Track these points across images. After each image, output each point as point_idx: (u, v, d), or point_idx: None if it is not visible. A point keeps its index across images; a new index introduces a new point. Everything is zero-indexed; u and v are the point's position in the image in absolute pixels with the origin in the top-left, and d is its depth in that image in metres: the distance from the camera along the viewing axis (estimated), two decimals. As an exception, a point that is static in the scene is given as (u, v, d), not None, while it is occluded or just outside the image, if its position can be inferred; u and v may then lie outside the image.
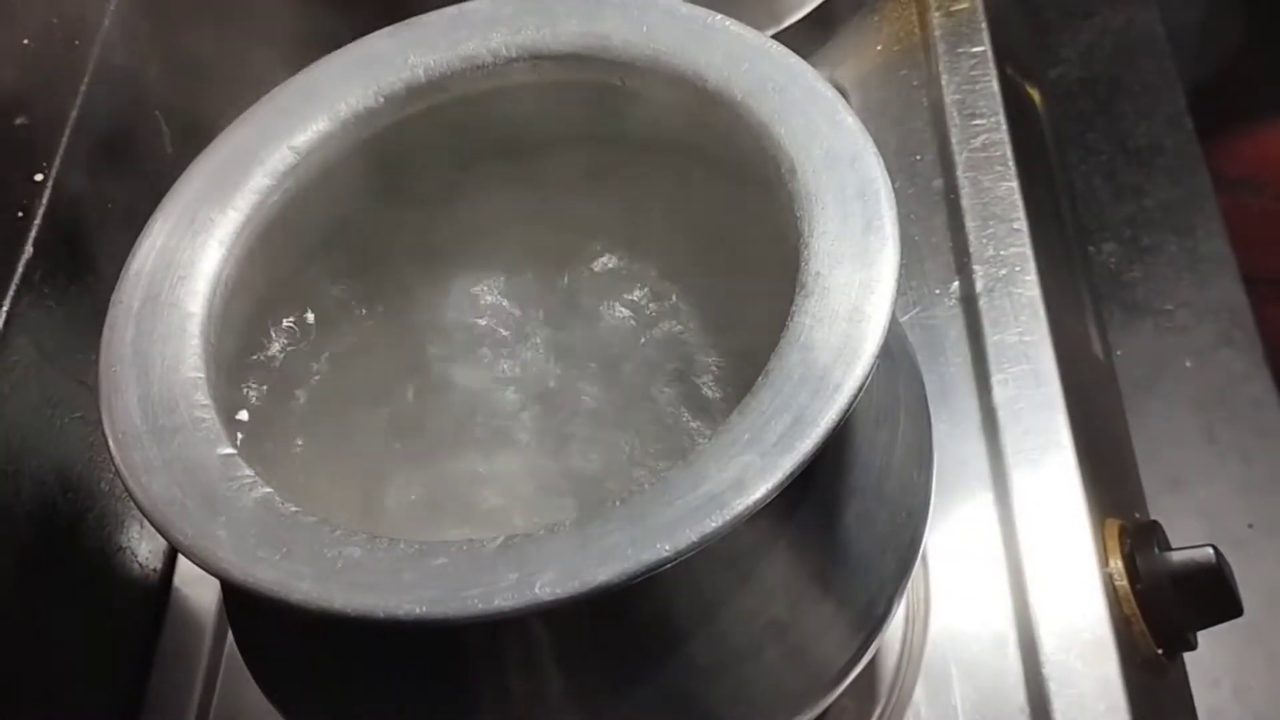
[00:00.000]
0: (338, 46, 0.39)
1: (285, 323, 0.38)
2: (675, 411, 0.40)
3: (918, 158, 0.57)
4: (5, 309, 0.43)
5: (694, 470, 0.28)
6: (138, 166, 0.50)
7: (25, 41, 0.48)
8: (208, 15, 0.52)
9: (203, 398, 0.32)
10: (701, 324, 0.40)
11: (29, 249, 0.44)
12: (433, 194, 0.40)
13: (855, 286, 0.30)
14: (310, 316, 0.39)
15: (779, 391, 0.29)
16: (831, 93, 0.34)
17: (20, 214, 0.45)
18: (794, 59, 0.35)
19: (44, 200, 0.45)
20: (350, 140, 0.38)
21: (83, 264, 0.46)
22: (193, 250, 0.35)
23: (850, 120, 0.34)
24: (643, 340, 0.40)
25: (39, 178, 0.46)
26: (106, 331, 0.33)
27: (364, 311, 0.40)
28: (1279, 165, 0.95)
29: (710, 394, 0.39)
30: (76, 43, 0.49)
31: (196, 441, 0.31)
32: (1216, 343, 0.67)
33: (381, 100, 0.38)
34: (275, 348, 0.38)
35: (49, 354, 0.44)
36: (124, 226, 0.48)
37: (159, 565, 0.49)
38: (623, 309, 0.40)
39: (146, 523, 0.30)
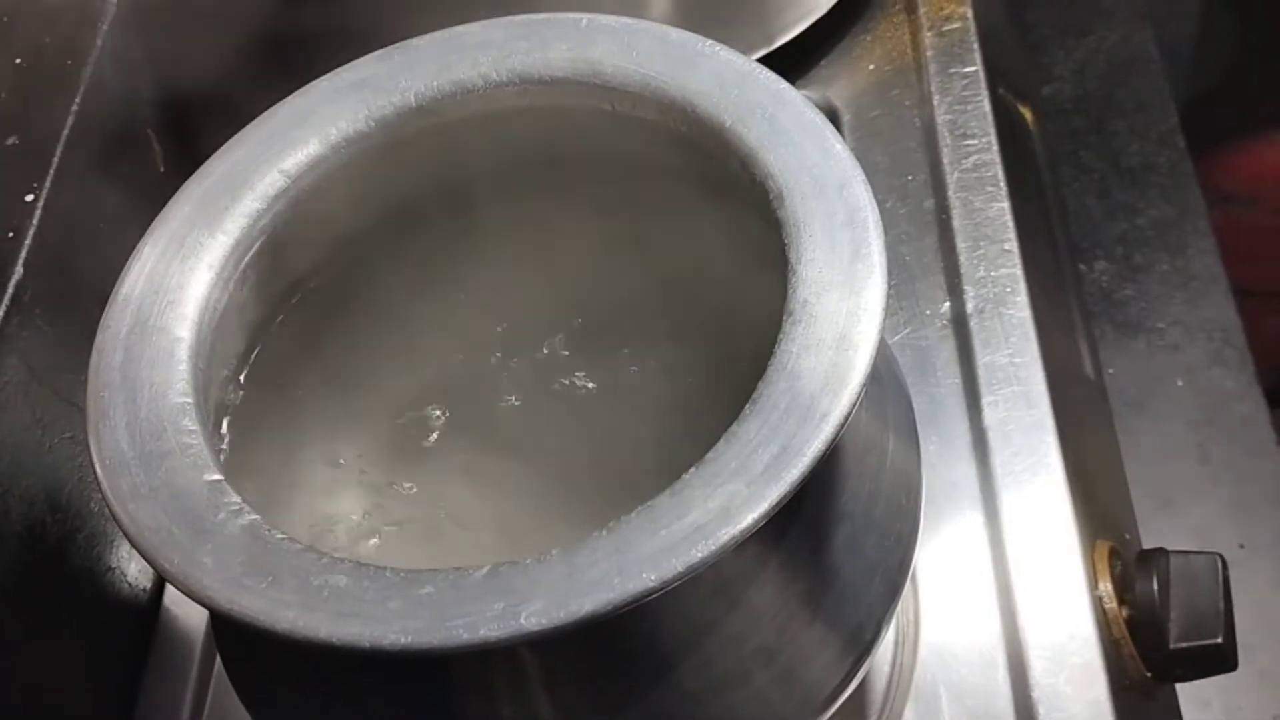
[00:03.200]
0: (328, 69, 0.39)
1: (273, 346, 0.38)
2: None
3: (909, 178, 0.57)
4: None
5: (680, 499, 0.28)
6: (129, 186, 0.50)
7: (17, 61, 0.48)
8: (200, 35, 0.52)
9: (190, 423, 0.32)
10: (688, 348, 0.40)
11: (19, 269, 0.44)
12: (423, 217, 0.40)
13: (843, 314, 0.31)
14: (298, 340, 0.39)
15: (766, 420, 0.29)
16: (820, 119, 0.34)
17: (10, 234, 0.45)
18: (783, 85, 0.35)
19: (34, 221, 0.45)
20: (341, 164, 0.38)
21: (73, 284, 0.46)
22: (182, 275, 0.35)
23: (839, 147, 0.34)
24: (632, 368, 0.40)
25: (30, 198, 0.46)
26: (95, 356, 0.33)
27: (355, 335, 0.40)
28: (1272, 179, 0.95)
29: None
30: (69, 62, 0.49)
31: (184, 467, 0.31)
32: (1208, 361, 0.67)
33: (372, 124, 0.38)
34: (263, 370, 0.38)
35: (39, 374, 0.44)
36: (115, 246, 0.48)
37: (148, 585, 0.49)
38: (612, 333, 0.40)
39: (135, 545, 0.30)
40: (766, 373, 0.30)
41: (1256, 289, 0.80)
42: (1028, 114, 0.69)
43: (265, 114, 0.38)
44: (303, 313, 0.39)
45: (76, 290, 0.46)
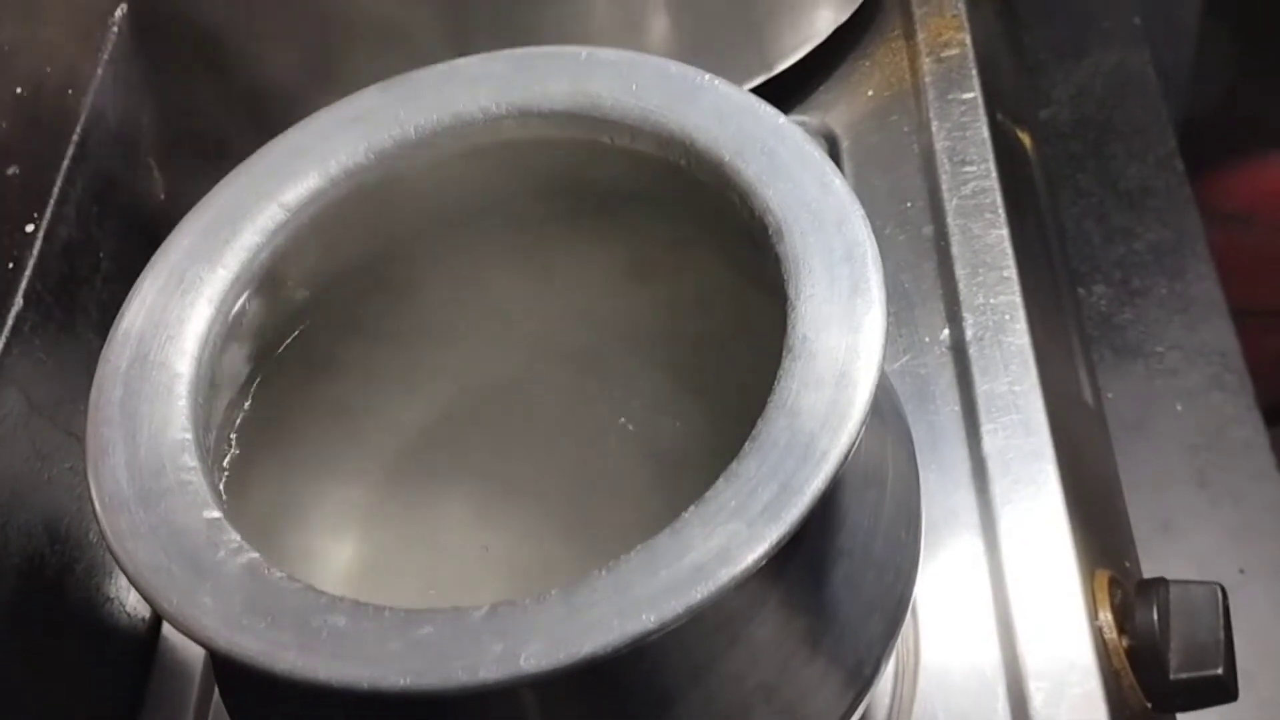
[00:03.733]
0: (329, 101, 0.39)
1: (272, 379, 0.38)
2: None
3: (908, 204, 0.58)
4: None
5: (680, 539, 0.28)
6: (130, 216, 0.50)
7: (18, 90, 0.48)
8: (202, 63, 0.52)
9: (190, 460, 0.32)
10: (686, 382, 0.40)
11: (19, 301, 0.44)
12: (422, 249, 0.40)
13: (842, 351, 0.31)
14: (297, 374, 0.39)
15: (765, 458, 0.29)
16: (819, 154, 0.34)
17: (11, 265, 0.45)
18: (782, 120, 0.35)
19: (35, 251, 0.45)
20: (340, 196, 0.38)
21: (74, 315, 0.46)
22: (181, 309, 0.35)
23: (838, 183, 0.34)
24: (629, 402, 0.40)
25: (30, 228, 0.45)
26: (94, 392, 0.33)
27: (353, 368, 0.40)
28: (1270, 198, 0.96)
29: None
30: (69, 91, 0.49)
31: (183, 505, 0.31)
32: (1207, 385, 0.67)
33: (371, 157, 0.38)
34: (262, 404, 0.38)
35: (38, 405, 0.44)
36: (116, 276, 0.49)
37: (146, 615, 0.49)
38: (612, 366, 0.40)
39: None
40: (766, 410, 0.30)
41: (1255, 308, 0.80)
42: (1026, 138, 0.69)
43: (265, 147, 0.38)
44: (301, 346, 0.39)
45: (77, 321, 0.46)
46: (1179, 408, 0.66)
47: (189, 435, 0.32)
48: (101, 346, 0.34)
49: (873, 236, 0.33)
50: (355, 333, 0.40)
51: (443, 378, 0.41)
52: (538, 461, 0.40)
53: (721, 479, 0.29)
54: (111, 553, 0.30)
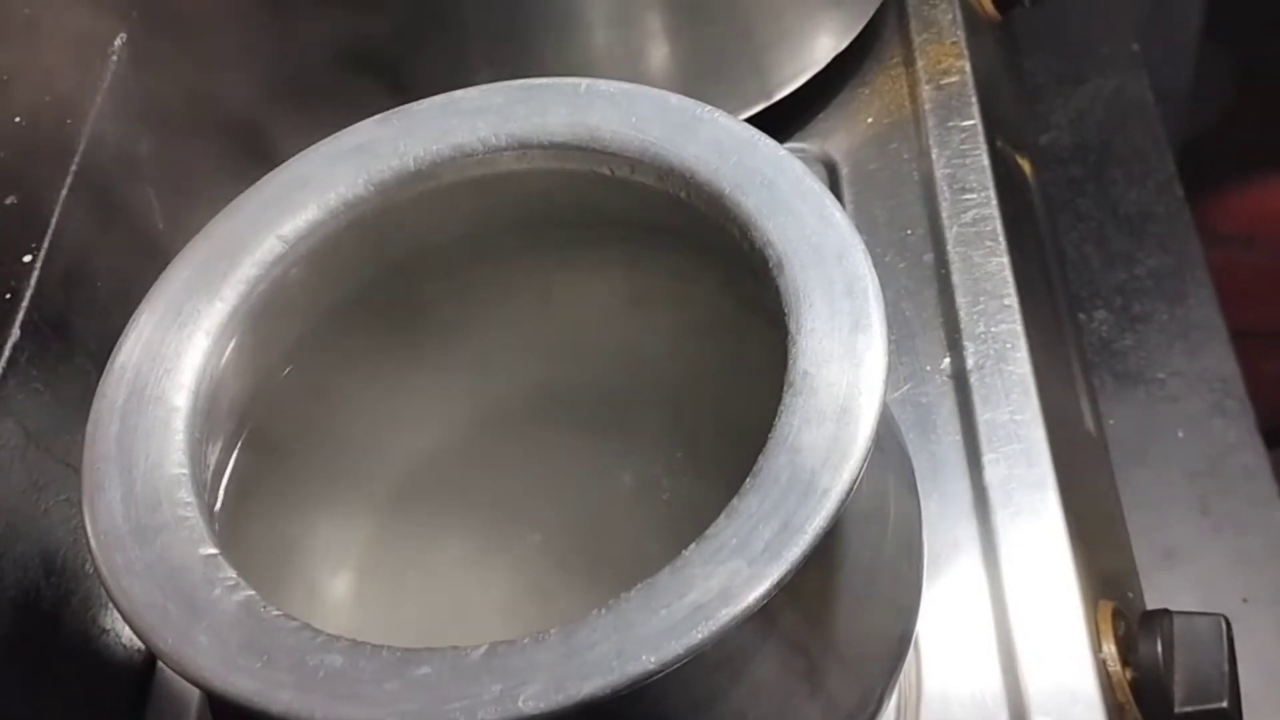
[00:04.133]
0: (328, 132, 0.39)
1: (268, 412, 0.38)
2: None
3: (908, 232, 0.57)
4: None
5: (680, 578, 0.28)
6: (128, 245, 0.50)
7: (16, 119, 0.48)
8: (200, 92, 0.52)
9: (186, 495, 0.32)
10: (686, 413, 0.40)
11: (16, 332, 0.44)
12: (420, 280, 0.40)
13: (844, 386, 0.30)
14: (293, 406, 0.38)
15: (766, 496, 0.29)
16: (819, 188, 0.34)
17: (8, 295, 0.44)
18: (782, 153, 0.35)
19: (32, 282, 0.45)
20: (339, 228, 0.38)
21: (71, 345, 0.46)
22: (179, 342, 0.35)
23: (838, 216, 0.34)
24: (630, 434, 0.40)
25: (27, 259, 0.45)
26: (90, 426, 0.33)
27: (350, 400, 0.40)
28: (1270, 220, 0.96)
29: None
30: (69, 120, 0.49)
31: (179, 541, 0.31)
32: (1209, 412, 0.67)
33: (371, 188, 0.38)
34: (258, 438, 0.38)
35: (35, 437, 0.43)
36: (113, 306, 0.48)
37: (142, 647, 0.49)
38: (611, 398, 0.40)
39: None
40: (767, 446, 0.30)
41: (1255, 330, 0.80)
42: (1026, 164, 0.69)
43: (263, 179, 0.38)
44: (298, 379, 0.39)
45: (74, 351, 0.46)
46: (1180, 434, 0.66)
47: (185, 470, 0.32)
48: (99, 377, 0.34)
49: (873, 270, 0.32)
50: (352, 366, 0.40)
51: (441, 411, 0.41)
52: (536, 496, 0.40)
53: (722, 516, 0.29)
54: (106, 590, 0.30)
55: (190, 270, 0.36)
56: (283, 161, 0.39)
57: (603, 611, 0.28)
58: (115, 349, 0.34)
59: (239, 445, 0.37)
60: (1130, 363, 0.69)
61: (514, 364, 0.41)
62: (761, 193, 0.34)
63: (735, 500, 0.29)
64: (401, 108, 0.38)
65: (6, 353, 0.43)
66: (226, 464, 0.36)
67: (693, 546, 0.28)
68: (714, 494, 0.34)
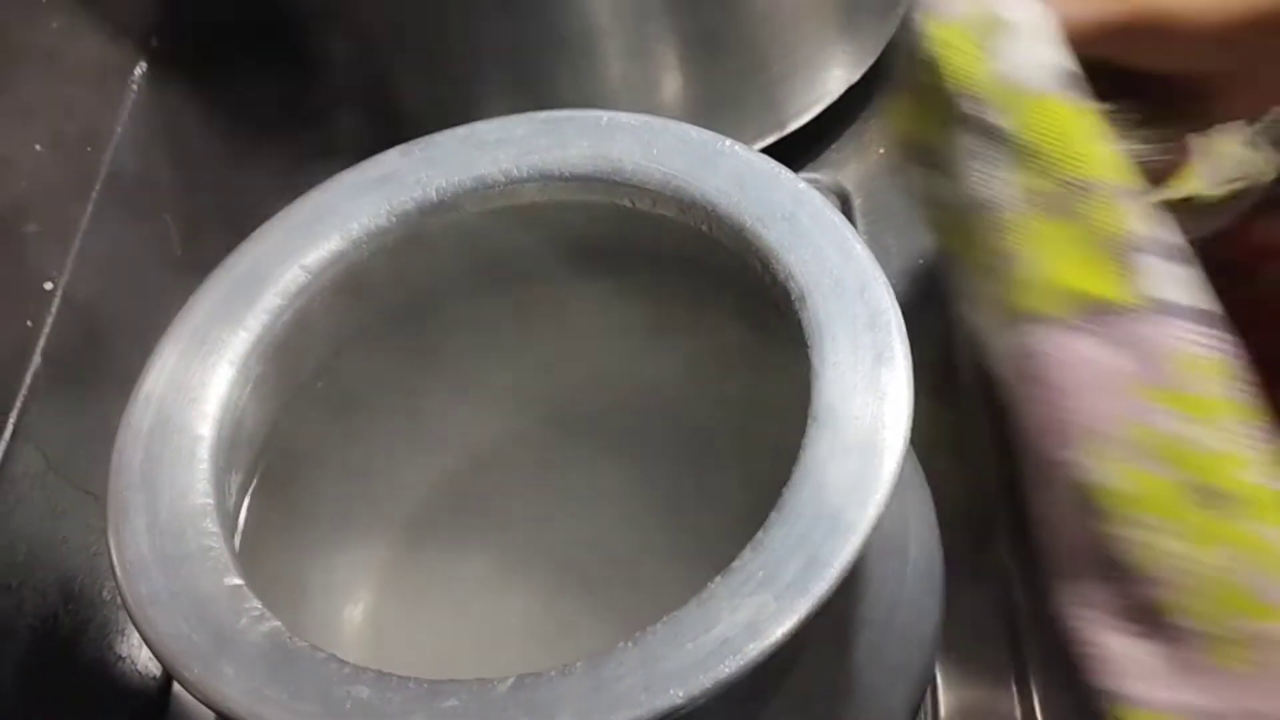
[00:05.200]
0: (348, 162, 0.40)
1: (290, 439, 0.38)
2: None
3: (921, 261, 0.58)
4: (12, 421, 0.42)
5: (706, 610, 0.28)
6: (146, 272, 0.50)
7: (37, 148, 0.48)
8: (220, 119, 0.52)
9: (211, 525, 0.32)
10: (709, 445, 0.40)
11: (37, 358, 0.44)
12: (441, 309, 0.40)
13: (868, 420, 0.31)
14: (315, 433, 0.39)
15: (792, 530, 0.29)
16: (840, 220, 0.34)
17: (29, 323, 0.44)
18: (802, 185, 0.35)
19: (53, 309, 0.45)
20: (361, 258, 0.38)
21: (90, 371, 0.46)
22: (203, 371, 0.35)
23: (859, 249, 0.34)
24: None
25: (48, 286, 0.45)
26: (115, 456, 0.33)
27: (371, 427, 0.40)
28: (1272, 254, 0.96)
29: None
30: (89, 149, 0.49)
31: (205, 571, 0.31)
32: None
33: (394, 219, 0.38)
34: (280, 464, 0.38)
35: (55, 463, 0.43)
36: (133, 333, 0.48)
37: (158, 673, 0.49)
38: (631, 427, 0.40)
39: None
40: (792, 479, 0.30)
41: (1252, 360, 0.80)
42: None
43: (287, 208, 0.38)
44: (320, 405, 0.39)
45: (94, 377, 0.46)
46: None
47: (210, 500, 0.32)
48: (119, 404, 0.34)
49: (896, 303, 0.33)
50: (372, 393, 0.40)
51: (459, 438, 0.41)
52: (556, 522, 0.40)
53: (748, 549, 0.29)
54: (133, 620, 0.30)
55: (214, 299, 0.36)
56: (302, 189, 0.39)
57: (629, 644, 0.28)
58: (140, 378, 0.34)
59: (259, 472, 0.37)
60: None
61: (532, 392, 0.41)
62: (783, 226, 0.34)
63: (761, 533, 0.29)
64: (424, 138, 0.39)
65: (28, 380, 0.43)
66: (247, 490, 0.36)
67: (719, 579, 0.29)
68: (731, 522, 0.34)
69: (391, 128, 0.41)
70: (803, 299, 0.33)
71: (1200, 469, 0.32)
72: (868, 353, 0.32)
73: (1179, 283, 0.34)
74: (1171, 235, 0.34)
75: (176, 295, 0.38)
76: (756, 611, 0.28)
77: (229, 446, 0.35)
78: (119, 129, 0.51)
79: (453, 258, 0.39)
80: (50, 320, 0.45)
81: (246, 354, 0.36)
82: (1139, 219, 0.34)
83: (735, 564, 0.29)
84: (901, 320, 0.32)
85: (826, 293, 0.33)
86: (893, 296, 0.33)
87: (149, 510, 0.32)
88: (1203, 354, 0.33)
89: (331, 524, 0.39)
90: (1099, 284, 0.33)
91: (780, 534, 0.29)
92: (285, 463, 0.38)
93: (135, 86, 0.52)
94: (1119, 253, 0.34)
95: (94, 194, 0.49)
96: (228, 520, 0.33)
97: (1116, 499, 0.32)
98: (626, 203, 0.37)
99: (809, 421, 0.31)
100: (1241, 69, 0.34)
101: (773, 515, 0.29)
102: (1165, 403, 0.32)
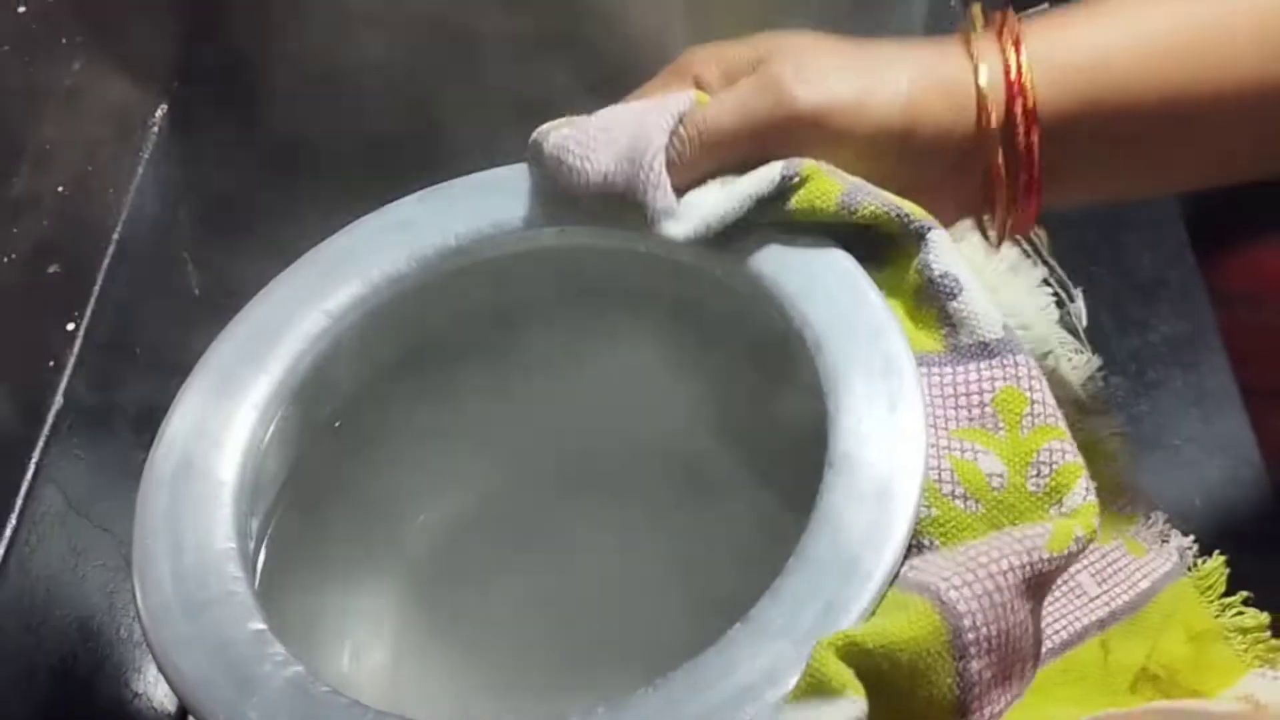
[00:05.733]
0: (366, 207, 0.40)
1: (309, 480, 0.39)
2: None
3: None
4: (34, 461, 0.42)
5: (725, 657, 0.28)
6: (166, 312, 0.50)
7: (59, 189, 0.49)
8: (240, 162, 0.53)
9: (235, 569, 0.32)
10: (722, 489, 0.40)
11: (59, 399, 0.44)
12: (456, 350, 0.41)
13: (884, 466, 0.31)
14: (332, 473, 0.39)
15: (809, 576, 0.29)
16: (855, 268, 0.35)
17: (51, 363, 0.45)
18: (817, 234, 0.36)
19: (75, 350, 0.45)
20: (381, 303, 0.38)
21: (111, 412, 0.46)
22: (226, 415, 0.36)
23: (873, 296, 0.34)
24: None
25: (70, 327, 0.45)
26: (140, 501, 0.34)
27: (388, 467, 0.40)
28: (1272, 282, 0.96)
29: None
30: (110, 190, 0.49)
31: (229, 616, 0.31)
32: (1224, 480, 0.67)
33: (413, 264, 0.38)
34: (299, 504, 0.38)
35: (75, 502, 0.43)
36: (151, 374, 0.48)
37: (172, 709, 0.49)
38: (644, 470, 0.41)
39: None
40: (809, 525, 0.30)
41: (1260, 388, 0.81)
42: (1041, 231, 0.70)
43: (307, 254, 0.39)
44: (337, 445, 0.39)
45: (113, 417, 0.46)
46: (1197, 502, 0.66)
47: (233, 545, 0.33)
48: (138, 443, 0.35)
49: (910, 350, 0.33)
50: (390, 433, 0.41)
51: (474, 477, 0.41)
52: (571, 561, 0.41)
53: (766, 596, 0.29)
54: (158, 665, 0.30)
55: (236, 344, 0.37)
56: (321, 234, 0.40)
57: (649, 691, 0.28)
58: (164, 422, 0.35)
59: (278, 514, 0.38)
60: (1146, 429, 0.69)
61: (547, 433, 0.42)
62: (800, 274, 0.35)
63: (779, 579, 0.30)
64: (444, 184, 0.39)
65: (50, 420, 0.43)
66: (266, 533, 0.37)
67: (738, 626, 0.29)
68: (744, 565, 0.35)
69: (411, 172, 0.42)
70: (819, 346, 0.33)
71: None
72: (882, 400, 0.32)
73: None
74: None
75: (196, 337, 0.39)
76: (775, 659, 0.28)
77: (251, 490, 0.35)
78: (140, 171, 0.51)
79: (469, 300, 0.40)
80: (72, 361, 0.45)
81: (269, 397, 0.36)
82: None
83: (753, 612, 0.29)
84: (915, 367, 0.32)
85: (841, 339, 0.34)
86: (906, 343, 0.33)
87: (173, 556, 0.33)
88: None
89: (347, 565, 0.40)
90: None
91: (798, 581, 0.29)
92: (304, 504, 0.39)
93: (156, 129, 0.52)
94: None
95: (115, 235, 0.49)
96: (248, 564, 0.33)
97: None
98: (640, 248, 0.37)
99: (826, 468, 0.31)
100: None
101: (790, 562, 0.30)
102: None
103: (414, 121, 0.51)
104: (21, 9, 0.48)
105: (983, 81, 0.35)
